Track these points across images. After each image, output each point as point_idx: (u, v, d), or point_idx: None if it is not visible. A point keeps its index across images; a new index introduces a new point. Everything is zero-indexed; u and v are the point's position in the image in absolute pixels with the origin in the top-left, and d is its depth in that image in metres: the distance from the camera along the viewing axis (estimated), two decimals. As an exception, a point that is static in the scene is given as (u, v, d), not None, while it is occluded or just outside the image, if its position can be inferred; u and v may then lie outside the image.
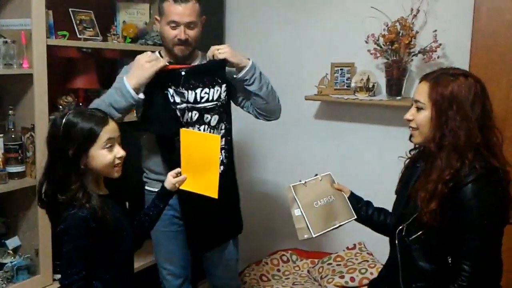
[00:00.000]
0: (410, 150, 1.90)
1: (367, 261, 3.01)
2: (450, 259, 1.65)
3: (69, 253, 1.59)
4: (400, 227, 1.77)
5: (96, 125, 1.66)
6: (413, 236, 1.72)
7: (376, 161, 3.07)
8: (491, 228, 1.61)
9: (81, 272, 1.58)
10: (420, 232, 1.70)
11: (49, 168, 1.68)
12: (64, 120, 1.65)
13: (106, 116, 1.72)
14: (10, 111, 2.32)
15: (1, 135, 2.31)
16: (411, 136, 1.80)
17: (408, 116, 1.75)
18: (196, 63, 2.31)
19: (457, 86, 1.64)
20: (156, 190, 2.01)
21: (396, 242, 1.79)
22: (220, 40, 3.48)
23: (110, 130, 1.69)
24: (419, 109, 1.71)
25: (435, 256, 1.69)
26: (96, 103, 2.10)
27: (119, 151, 1.72)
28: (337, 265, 3.07)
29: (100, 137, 1.66)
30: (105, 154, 1.68)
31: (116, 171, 1.73)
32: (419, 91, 1.72)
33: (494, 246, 1.63)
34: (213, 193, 1.89)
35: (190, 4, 2.16)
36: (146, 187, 2.40)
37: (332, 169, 3.22)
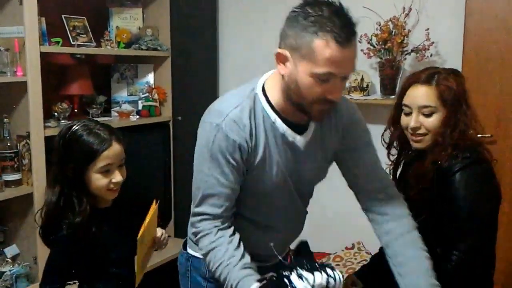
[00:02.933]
0: (394, 159, 1.88)
1: (366, 260, 3.01)
2: (438, 250, 1.67)
3: (45, 269, 1.61)
4: None
5: (97, 145, 1.56)
6: None
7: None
8: (479, 218, 1.62)
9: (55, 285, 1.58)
10: None
11: (57, 184, 1.60)
12: (69, 133, 1.58)
13: (111, 137, 1.59)
14: (5, 119, 2.31)
15: (-4, 143, 2.31)
16: (413, 142, 1.74)
17: (414, 124, 1.69)
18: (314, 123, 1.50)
19: (458, 82, 1.68)
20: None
21: None
22: (213, 41, 3.48)
23: (110, 154, 1.58)
24: (427, 114, 1.68)
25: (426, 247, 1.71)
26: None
27: (116, 176, 1.60)
28: (336, 265, 3.08)
29: (98, 160, 1.56)
30: (99, 178, 1.58)
31: (110, 194, 1.63)
32: (424, 96, 1.68)
33: (482, 237, 1.64)
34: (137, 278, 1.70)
35: (353, 44, 1.33)
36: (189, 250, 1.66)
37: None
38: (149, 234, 1.68)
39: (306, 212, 1.71)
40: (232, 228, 1.46)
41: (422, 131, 1.70)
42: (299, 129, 1.47)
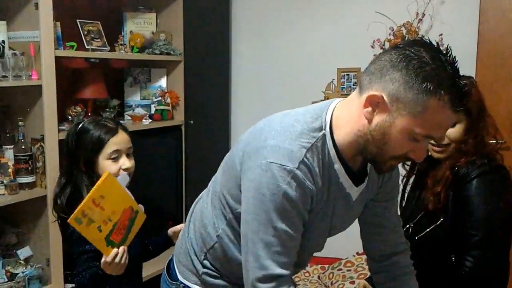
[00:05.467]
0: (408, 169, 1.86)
1: (377, 266, 3.00)
2: (453, 258, 1.66)
3: (76, 256, 1.65)
4: (407, 226, 1.78)
5: (105, 134, 1.68)
6: (420, 235, 1.73)
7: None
8: (495, 225, 1.61)
9: (90, 267, 1.61)
10: (426, 230, 1.71)
11: (64, 176, 1.71)
12: (78, 128, 1.70)
13: (117, 126, 1.72)
14: (20, 122, 2.34)
15: (11, 146, 2.33)
16: (434, 153, 1.72)
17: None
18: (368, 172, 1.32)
19: (476, 92, 1.68)
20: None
21: None
22: (225, 46, 3.50)
23: (118, 141, 1.69)
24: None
25: (440, 254, 1.70)
26: None
27: (124, 163, 1.71)
28: (348, 270, 3.06)
29: (107, 146, 1.68)
30: (110, 164, 1.68)
31: None
32: None
33: (497, 244, 1.63)
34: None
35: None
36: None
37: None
38: (111, 205, 1.55)
39: None
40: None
41: (445, 141, 1.68)
42: (356, 179, 1.27)
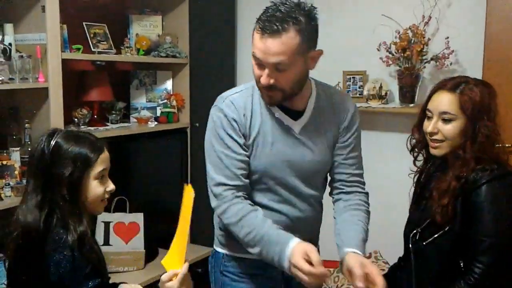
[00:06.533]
0: (420, 166, 1.88)
1: (383, 270, 2.98)
2: (462, 264, 1.65)
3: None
4: (414, 232, 1.77)
5: (92, 151, 1.50)
6: (427, 241, 1.72)
7: (389, 169, 3.05)
8: (505, 232, 1.60)
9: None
10: (434, 236, 1.70)
11: (35, 199, 1.46)
12: (54, 141, 1.48)
13: (102, 142, 1.55)
14: (26, 125, 2.35)
15: (18, 148, 2.34)
16: (431, 148, 1.75)
17: (431, 129, 1.71)
18: (310, 108, 1.68)
19: (484, 95, 1.67)
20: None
21: (410, 247, 1.79)
22: (231, 49, 3.50)
23: (105, 159, 1.53)
24: (446, 120, 1.68)
25: (448, 260, 1.69)
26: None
27: (109, 185, 1.55)
28: (353, 274, 3.05)
29: (96, 165, 1.50)
30: (96, 186, 1.51)
31: (102, 205, 1.56)
32: (445, 103, 1.68)
33: (506, 250, 1.62)
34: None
35: (282, 38, 1.46)
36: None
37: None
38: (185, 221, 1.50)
39: (319, 199, 1.78)
40: (250, 202, 1.62)
41: (439, 137, 1.70)
42: (296, 115, 1.64)
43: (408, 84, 2.83)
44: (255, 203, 1.65)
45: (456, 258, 1.66)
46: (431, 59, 2.76)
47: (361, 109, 2.96)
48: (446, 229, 1.66)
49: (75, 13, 2.67)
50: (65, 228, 1.45)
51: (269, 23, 1.47)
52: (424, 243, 1.73)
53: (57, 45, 2.33)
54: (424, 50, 2.75)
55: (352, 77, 3.07)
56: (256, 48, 1.52)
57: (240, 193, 1.59)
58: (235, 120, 1.60)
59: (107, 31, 2.76)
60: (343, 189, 1.74)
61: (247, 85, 1.70)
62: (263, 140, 1.62)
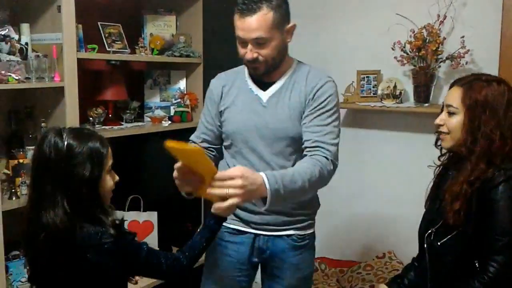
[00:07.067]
0: (439, 157, 1.89)
1: (397, 270, 2.97)
2: (477, 264, 1.64)
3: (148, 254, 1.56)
4: (429, 231, 1.77)
5: (103, 146, 1.52)
6: (442, 241, 1.71)
7: (404, 168, 3.04)
8: None
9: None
10: (449, 236, 1.69)
11: (62, 208, 1.45)
12: (65, 143, 1.47)
13: (104, 138, 1.58)
14: (42, 123, 2.37)
15: (34, 147, 2.36)
16: (439, 140, 1.81)
17: (438, 121, 1.76)
18: (282, 81, 1.91)
19: (490, 92, 1.66)
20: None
21: (425, 246, 1.78)
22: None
23: (110, 152, 1.56)
24: (451, 113, 1.72)
25: (463, 261, 1.68)
26: None
27: (115, 176, 1.59)
28: (367, 274, 3.04)
29: (108, 158, 1.53)
30: (109, 179, 1.55)
31: (109, 198, 1.59)
32: (452, 96, 1.72)
33: None
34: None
35: (257, 16, 1.74)
36: None
37: (358, 177, 3.22)
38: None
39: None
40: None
41: (444, 129, 1.74)
42: (266, 87, 1.89)
43: (423, 84, 2.81)
44: (228, 165, 1.92)
45: (471, 259, 1.65)
46: (446, 58, 2.74)
47: (375, 108, 2.95)
48: (460, 230, 1.66)
49: (90, 13, 2.69)
50: (96, 223, 1.47)
51: (246, 5, 1.74)
52: (438, 243, 1.72)
53: (73, 44, 2.35)
54: (439, 49, 2.73)
55: (366, 77, 3.06)
56: (238, 28, 1.79)
57: None
58: (215, 89, 1.97)
59: (122, 31, 2.77)
60: (306, 154, 1.80)
61: (241, 67, 2.00)
62: (235, 108, 1.91)
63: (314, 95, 1.84)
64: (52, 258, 1.48)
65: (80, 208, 1.47)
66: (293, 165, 1.82)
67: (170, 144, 1.44)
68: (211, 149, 1.99)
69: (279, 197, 1.55)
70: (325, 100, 1.83)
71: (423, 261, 1.81)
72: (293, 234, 1.96)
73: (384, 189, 3.11)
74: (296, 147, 1.88)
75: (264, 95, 1.90)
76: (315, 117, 1.82)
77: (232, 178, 1.46)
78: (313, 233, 2.04)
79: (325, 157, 1.75)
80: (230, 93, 1.94)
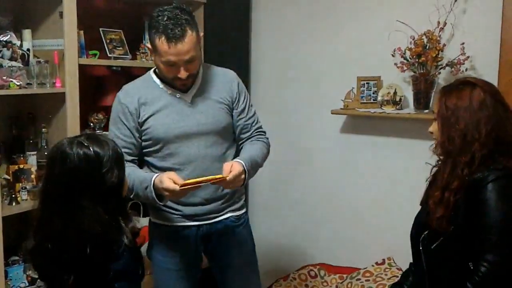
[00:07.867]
0: (438, 161, 1.90)
1: (397, 276, 2.97)
2: (471, 265, 1.64)
3: None
4: (423, 235, 1.78)
5: (119, 150, 1.57)
6: (434, 244, 1.73)
7: (404, 174, 3.04)
8: (509, 229, 1.59)
9: None
10: (439, 240, 1.71)
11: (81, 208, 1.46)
12: (88, 150, 1.47)
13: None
14: (43, 129, 2.38)
15: (35, 152, 2.37)
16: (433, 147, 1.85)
17: (429, 128, 1.83)
18: (198, 83, 2.04)
19: (461, 96, 1.69)
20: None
21: (421, 249, 1.79)
22: (245, 55, 3.52)
23: None
24: (435, 120, 1.78)
25: (457, 262, 1.68)
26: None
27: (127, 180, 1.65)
28: (366, 280, 3.04)
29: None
30: (126, 183, 1.62)
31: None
32: (434, 103, 1.83)
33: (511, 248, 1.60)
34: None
35: (186, 39, 1.83)
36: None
37: (359, 183, 3.22)
38: None
39: (223, 158, 2.04)
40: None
41: (434, 136, 1.80)
42: (186, 89, 2.00)
43: (423, 90, 2.81)
44: (158, 168, 1.99)
45: (465, 261, 1.65)
46: (446, 65, 2.75)
47: (375, 114, 2.95)
48: (448, 234, 1.67)
49: (91, 19, 2.71)
50: (118, 229, 1.49)
51: (173, 31, 1.81)
52: (431, 247, 1.73)
53: (74, 50, 2.36)
54: (439, 56, 2.73)
55: (367, 83, 3.06)
56: (169, 55, 1.84)
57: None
58: (127, 107, 1.96)
59: (123, 37, 2.78)
60: (248, 140, 2.13)
61: (144, 76, 2.07)
62: (161, 114, 1.97)
63: (238, 90, 2.10)
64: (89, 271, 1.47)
65: (111, 215, 1.48)
66: (225, 153, 2.06)
67: (184, 185, 1.76)
68: (135, 161, 2.01)
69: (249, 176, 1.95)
70: (245, 91, 2.15)
71: (419, 264, 1.81)
72: (230, 216, 2.13)
73: (384, 195, 3.11)
74: (227, 136, 2.09)
75: (187, 96, 2.01)
76: (248, 111, 2.13)
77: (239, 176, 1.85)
78: (246, 212, 2.23)
79: (267, 138, 2.20)
80: (149, 103, 1.98)
